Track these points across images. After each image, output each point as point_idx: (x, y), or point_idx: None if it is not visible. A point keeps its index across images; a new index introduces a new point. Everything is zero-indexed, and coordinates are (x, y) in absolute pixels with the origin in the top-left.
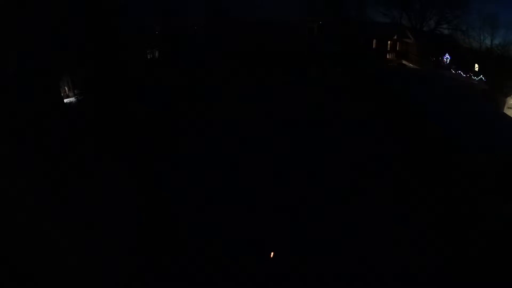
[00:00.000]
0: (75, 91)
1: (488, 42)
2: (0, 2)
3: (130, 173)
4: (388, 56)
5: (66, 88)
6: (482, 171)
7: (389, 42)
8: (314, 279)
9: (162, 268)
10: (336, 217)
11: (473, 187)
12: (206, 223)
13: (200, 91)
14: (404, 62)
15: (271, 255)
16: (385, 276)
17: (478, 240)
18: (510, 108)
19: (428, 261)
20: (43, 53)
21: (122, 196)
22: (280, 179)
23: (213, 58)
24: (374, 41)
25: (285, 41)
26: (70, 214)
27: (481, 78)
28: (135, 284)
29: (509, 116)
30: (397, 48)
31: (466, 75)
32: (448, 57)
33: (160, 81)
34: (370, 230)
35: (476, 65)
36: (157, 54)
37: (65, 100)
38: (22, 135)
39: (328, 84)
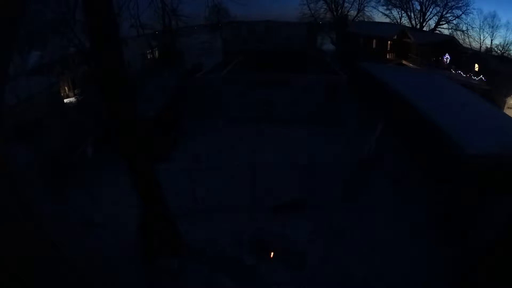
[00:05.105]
0: (75, 91)
1: (488, 42)
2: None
3: (130, 173)
4: (388, 56)
5: (66, 88)
6: (482, 171)
7: (389, 42)
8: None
9: (162, 268)
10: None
11: (473, 188)
12: (206, 222)
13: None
14: (404, 62)
15: (271, 255)
16: (387, 278)
17: (480, 241)
18: (510, 108)
19: (431, 263)
20: (44, 53)
21: (122, 195)
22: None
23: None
24: (374, 41)
25: (284, 41)
26: (70, 214)
27: (481, 78)
28: (135, 284)
29: (509, 116)
30: (397, 48)
31: (466, 75)
32: (448, 57)
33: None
34: (371, 230)
35: (476, 65)
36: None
37: (65, 100)
38: (22, 135)
39: (327, 84)
